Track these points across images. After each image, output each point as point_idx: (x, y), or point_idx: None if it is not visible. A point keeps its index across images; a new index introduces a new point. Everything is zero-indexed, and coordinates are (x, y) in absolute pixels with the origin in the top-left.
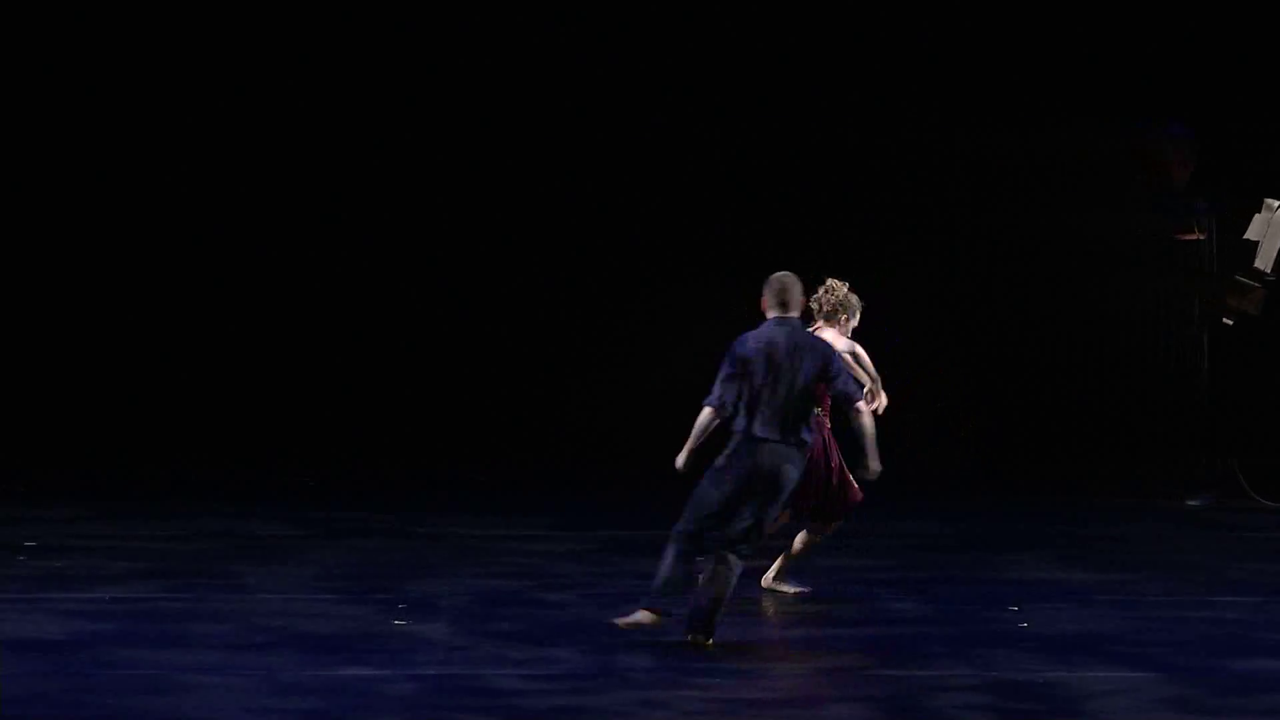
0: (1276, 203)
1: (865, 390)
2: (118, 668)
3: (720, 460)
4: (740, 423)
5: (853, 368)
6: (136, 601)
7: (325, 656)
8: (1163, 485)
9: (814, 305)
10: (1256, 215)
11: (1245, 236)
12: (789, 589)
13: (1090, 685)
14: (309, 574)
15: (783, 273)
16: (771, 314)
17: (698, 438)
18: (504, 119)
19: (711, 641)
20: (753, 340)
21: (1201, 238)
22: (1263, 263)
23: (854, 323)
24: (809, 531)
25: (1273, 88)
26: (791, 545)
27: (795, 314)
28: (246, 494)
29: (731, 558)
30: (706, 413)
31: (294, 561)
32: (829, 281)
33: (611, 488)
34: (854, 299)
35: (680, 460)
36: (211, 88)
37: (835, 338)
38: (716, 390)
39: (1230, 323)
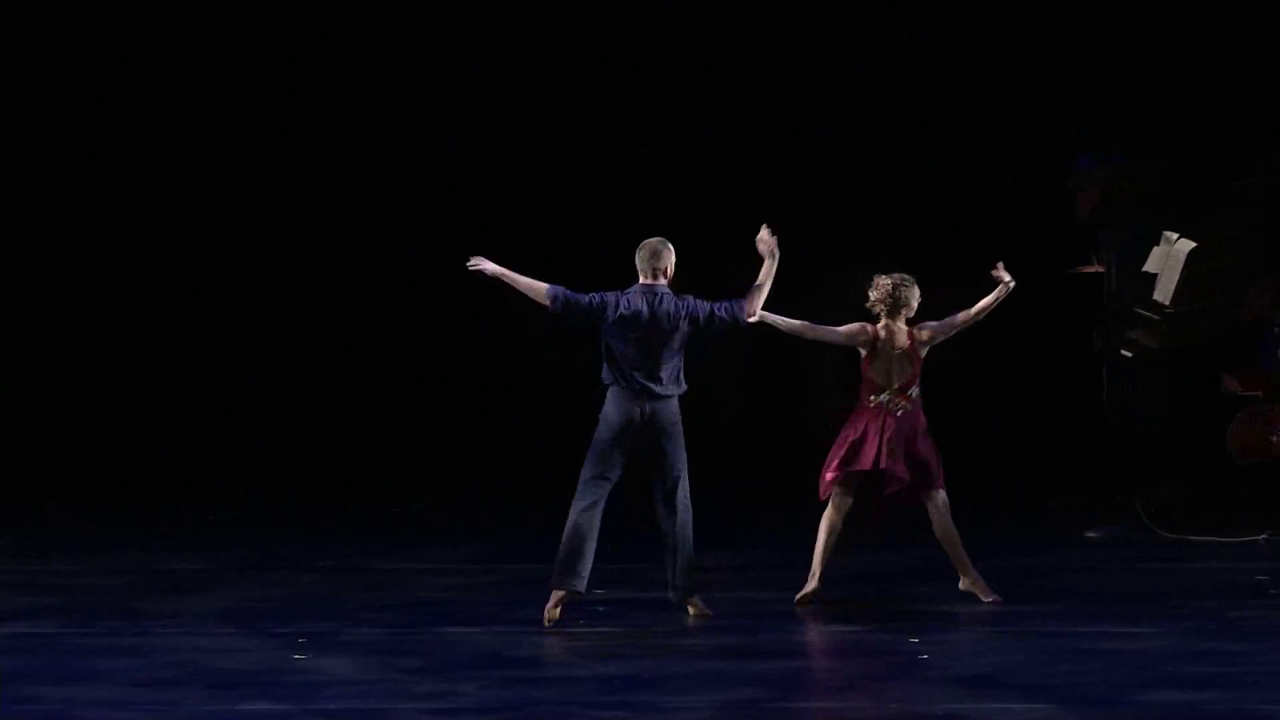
0: (1175, 235)
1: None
2: (20, 704)
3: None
4: (607, 375)
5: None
6: (40, 637)
7: (229, 692)
8: (1062, 517)
9: (874, 309)
10: (1155, 248)
11: (1144, 269)
12: (985, 595)
13: (991, 718)
14: (214, 608)
15: (656, 238)
16: (643, 280)
17: (515, 278)
18: (459, 135)
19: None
20: (624, 301)
21: (1103, 270)
22: (1162, 295)
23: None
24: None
25: (1174, 120)
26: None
27: (663, 282)
28: (152, 528)
29: (676, 505)
30: (545, 289)
31: (199, 596)
32: (877, 279)
33: (530, 521)
34: (903, 290)
35: (483, 264)
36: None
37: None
38: (569, 293)
39: (1130, 355)
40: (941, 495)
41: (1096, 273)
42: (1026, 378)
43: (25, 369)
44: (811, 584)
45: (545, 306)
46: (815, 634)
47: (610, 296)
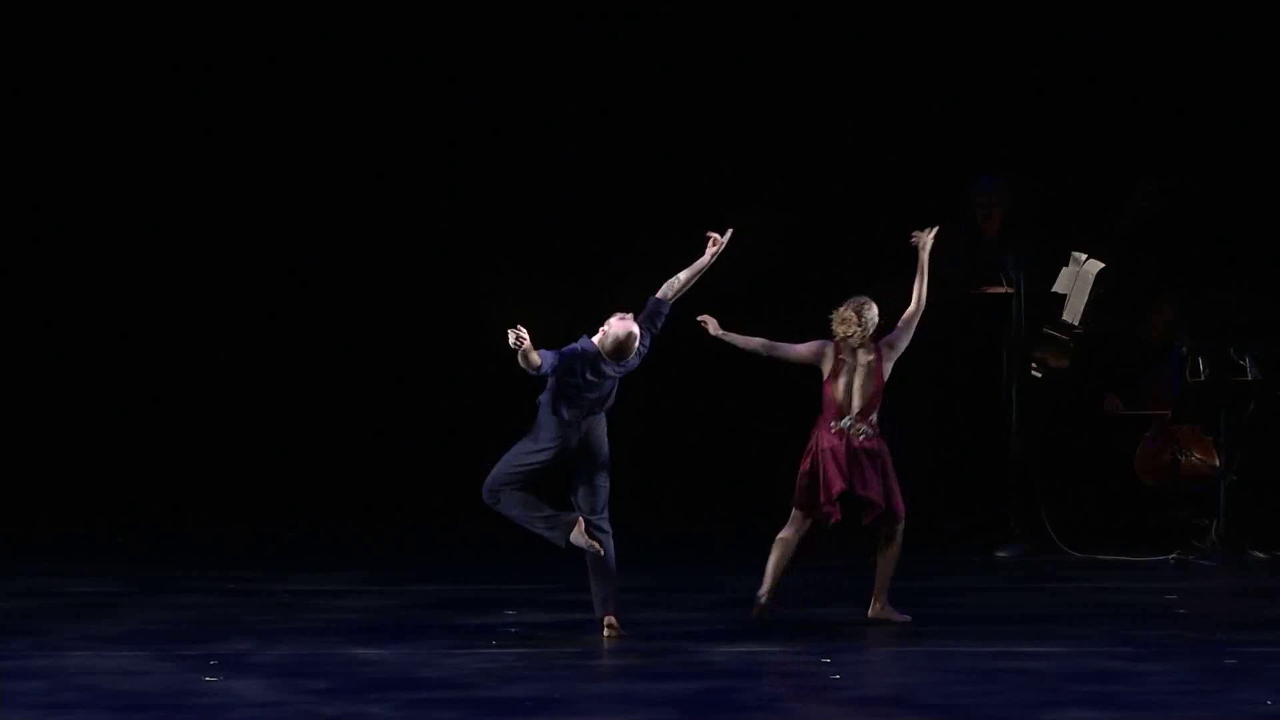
0: (1084, 256)
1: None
2: None
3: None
4: (548, 401)
5: None
6: None
7: (135, 715)
8: (972, 537)
9: (852, 341)
10: (1064, 268)
11: (1053, 290)
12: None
13: None
14: (121, 631)
15: (627, 333)
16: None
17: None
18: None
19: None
20: (587, 370)
21: (1010, 291)
22: (1070, 316)
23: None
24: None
25: (1077, 140)
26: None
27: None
28: (57, 551)
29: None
30: (536, 361)
31: (105, 619)
32: (837, 313)
33: (436, 545)
34: (867, 311)
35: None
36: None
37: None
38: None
39: (1039, 375)
40: (900, 526)
41: (1004, 293)
42: (935, 397)
43: None
44: (762, 599)
45: (532, 373)
46: (724, 655)
47: (576, 363)
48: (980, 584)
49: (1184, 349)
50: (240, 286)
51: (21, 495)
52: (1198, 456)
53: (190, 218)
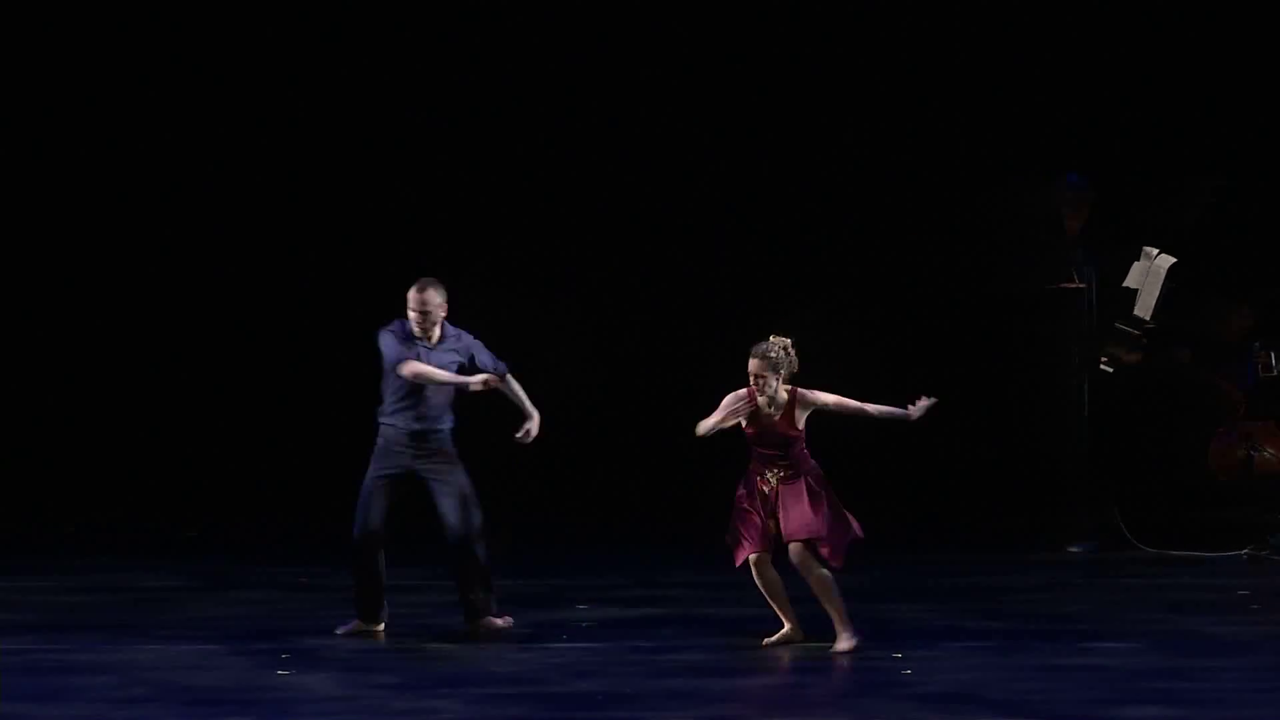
0: (1156, 251)
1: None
2: None
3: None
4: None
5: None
6: (15, 654)
7: (204, 708)
8: (1044, 532)
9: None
10: (1135, 263)
11: (1124, 284)
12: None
13: None
14: (190, 625)
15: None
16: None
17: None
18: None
19: None
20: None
21: (1082, 286)
22: (1142, 310)
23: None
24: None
25: (1155, 137)
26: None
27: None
28: (127, 547)
29: None
30: None
31: (175, 613)
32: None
33: (498, 540)
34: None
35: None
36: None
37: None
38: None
39: (1110, 370)
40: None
41: (1076, 288)
42: (1006, 393)
43: None
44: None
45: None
46: (792, 651)
47: None
48: (1052, 579)
49: (1258, 345)
50: (285, 294)
51: (89, 491)
52: (1271, 452)
53: (209, 220)
